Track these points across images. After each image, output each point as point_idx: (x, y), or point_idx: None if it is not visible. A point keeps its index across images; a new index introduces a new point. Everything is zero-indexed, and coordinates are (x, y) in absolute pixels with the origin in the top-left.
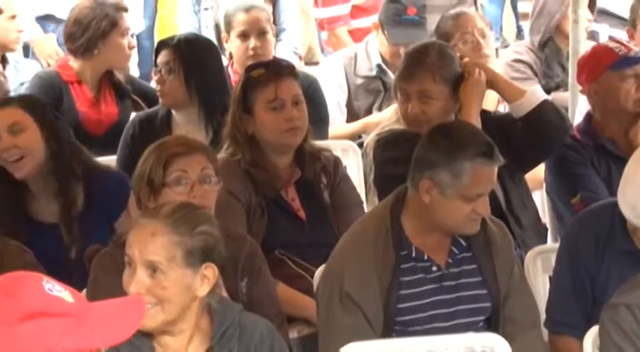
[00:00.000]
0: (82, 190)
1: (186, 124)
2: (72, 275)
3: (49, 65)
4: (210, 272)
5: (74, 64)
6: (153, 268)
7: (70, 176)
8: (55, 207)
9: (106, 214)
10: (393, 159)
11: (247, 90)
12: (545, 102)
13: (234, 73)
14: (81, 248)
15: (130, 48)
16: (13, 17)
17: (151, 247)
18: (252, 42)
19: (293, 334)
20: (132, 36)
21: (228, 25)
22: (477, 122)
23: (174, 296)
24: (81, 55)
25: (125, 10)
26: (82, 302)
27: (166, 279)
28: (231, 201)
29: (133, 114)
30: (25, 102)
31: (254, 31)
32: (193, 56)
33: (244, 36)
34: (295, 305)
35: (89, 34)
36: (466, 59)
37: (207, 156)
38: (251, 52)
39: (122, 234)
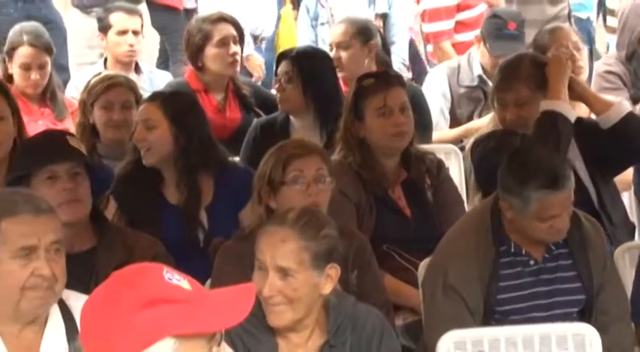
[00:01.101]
0: (213, 182)
1: (303, 129)
2: (197, 257)
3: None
4: (334, 271)
5: (199, 74)
6: (284, 272)
7: (197, 169)
8: (185, 194)
9: (233, 205)
10: (489, 149)
11: (359, 98)
12: (630, 114)
13: (344, 83)
14: (208, 234)
15: (231, 55)
16: (124, 33)
17: (281, 253)
18: (335, 52)
19: (399, 321)
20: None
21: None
22: (564, 98)
23: (303, 296)
24: (196, 68)
25: (224, 20)
26: (198, 289)
27: (296, 282)
28: (343, 200)
29: (254, 120)
30: (162, 101)
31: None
32: (310, 67)
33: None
34: (401, 295)
35: (190, 50)
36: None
37: (322, 158)
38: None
39: (244, 227)
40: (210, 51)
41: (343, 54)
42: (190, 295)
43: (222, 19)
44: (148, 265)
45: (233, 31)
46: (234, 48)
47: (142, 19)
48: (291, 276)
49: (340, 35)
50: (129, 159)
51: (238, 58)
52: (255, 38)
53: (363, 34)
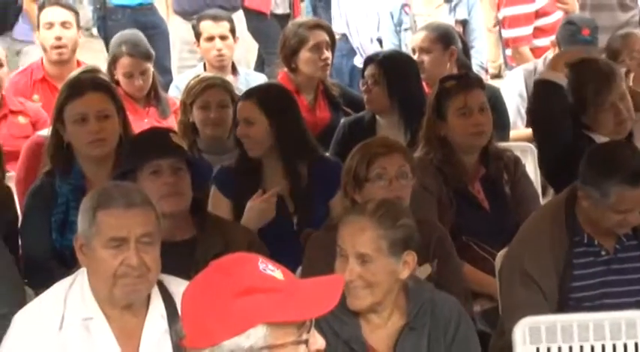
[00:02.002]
0: (307, 172)
1: (388, 127)
2: (290, 243)
3: None
4: (411, 258)
5: (292, 76)
6: (363, 259)
7: (295, 159)
8: (284, 182)
9: (324, 194)
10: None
11: (441, 98)
12: None
13: (427, 84)
14: (302, 219)
15: (323, 60)
16: (211, 39)
17: (360, 241)
18: (418, 56)
19: (477, 308)
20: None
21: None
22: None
23: (381, 281)
24: (289, 69)
25: (320, 26)
26: (290, 279)
27: (375, 267)
28: (425, 193)
29: (342, 119)
30: (258, 98)
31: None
32: (395, 70)
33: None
34: (479, 283)
35: (285, 52)
36: None
37: (404, 156)
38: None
39: (332, 218)
40: (304, 55)
41: (425, 58)
42: (283, 285)
43: (318, 25)
44: (245, 255)
45: (326, 38)
46: (327, 53)
47: (230, 25)
48: (369, 262)
49: (422, 41)
50: (235, 154)
51: (329, 62)
52: None
53: (444, 40)
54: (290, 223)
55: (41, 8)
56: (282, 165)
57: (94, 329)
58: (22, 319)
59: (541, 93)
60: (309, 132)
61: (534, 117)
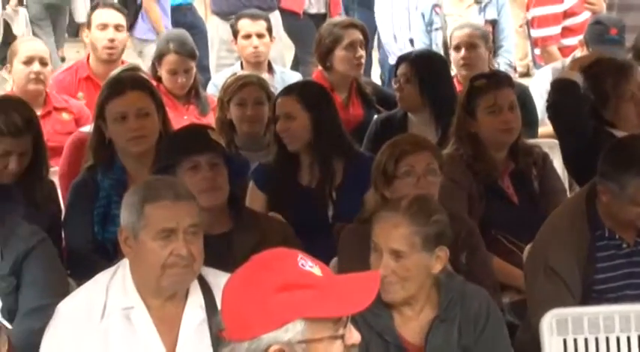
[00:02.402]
0: (343, 166)
1: (420, 124)
2: (324, 235)
3: None
4: (443, 253)
5: (326, 74)
6: (396, 254)
7: (331, 154)
8: (319, 177)
9: (359, 187)
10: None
11: (471, 96)
12: None
13: (458, 83)
14: (337, 212)
15: (357, 58)
16: (248, 36)
17: (394, 237)
18: (464, 52)
19: (505, 300)
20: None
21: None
22: None
23: (415, 276)
24: (324, 67)
25: (354, 25)
26: (328, 275)
27: (408, 263)
28: (455, 188)
29: (375, 116)
30: (299, 94)
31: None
32: (427, 69)
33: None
34: (507, 276)
35: (320, 51)
36: None
37: (432, 153)
38: (461, 62)
39: (364, 211)
40: (339, 53)
41: (472, 53)
42: (321, 281)
43: (353, 24)
44: (285, 251)
45: (360, 36)
46: (360, 51)
47: (267, 24)
48: (403, 258)
49: (469, 36)
50: (272, 150)
51: (363, 61)
52: None
53: (485, 37)
54: (325, 217)
55: (94, 8)
56: (319, 160)
57: (134, 319)
58: (65, 308)
59: (557, 90)
60: (343, 128)
61: (553, 113)
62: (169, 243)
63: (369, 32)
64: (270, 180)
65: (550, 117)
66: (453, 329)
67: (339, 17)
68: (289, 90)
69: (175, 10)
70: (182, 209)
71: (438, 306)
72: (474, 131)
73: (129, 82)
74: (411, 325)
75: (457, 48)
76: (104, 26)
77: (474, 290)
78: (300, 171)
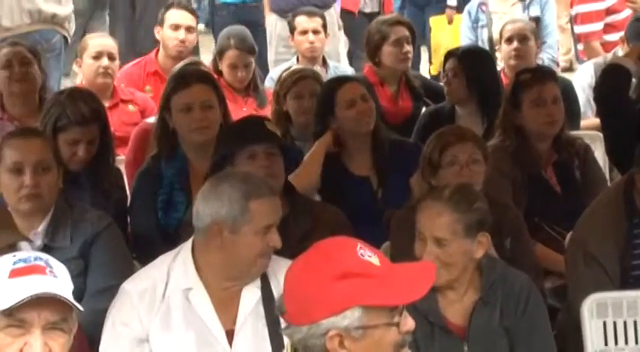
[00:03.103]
0: (389, 156)
1: (466, 116)
2: (376, 221)
3: None
4: (485, 239)
5: (376, 69)
6: (439, 242)
7: (381, 142)
8: (368, 163)
9: (405, 174)
10: None
11: (517, 90)
12: None
13: (505, 76)
14: (385, 198)
15: (404, 53)
16: (304, 32)
17: (437, 225)
18: (517, 44)
19: (548, 284)
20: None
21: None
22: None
23: (457, 261)
24: (373, 63)
25: (400, 23)
26: (386, 265)
27: (451, 249)
28: (500, 178)
29: (424, 109)
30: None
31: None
32: (473, 63)
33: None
34: (550, 262)
35: (369, 47)
36: None
37: (476, 144)
38: (513, 53)
39: (413, 198)
40: (387, 49)
41: (523, 46)
42: (379, 271)
43: (399, 22)
44: (345, 240)
45: (407, 33)
46: (407, 47)
47: (323, 20)
48: (446, 245)
49: (521, 29)
50: None
51: (409, 56)
52: None
53: (534, 33)
54: (374, 202)
55: (168, 8)
56: (370, 147)
57: (193, 299)
58: (129, 287)
59: (607, 73)
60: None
61: (599, 95)
62: (267, 235)
63: (417, 29)
64: (322, 170)
65: (596, 99)
66: (495, 311)
67: (388, 15)
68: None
69: (239, 7)
70: (278, 204)
71: (481, 289)
72: (519, 123)
73: (195, 75)
74: (455, 307)
75: (509, 40)
76: (176, 27)
77: (515, 274)
78: (349, 160)
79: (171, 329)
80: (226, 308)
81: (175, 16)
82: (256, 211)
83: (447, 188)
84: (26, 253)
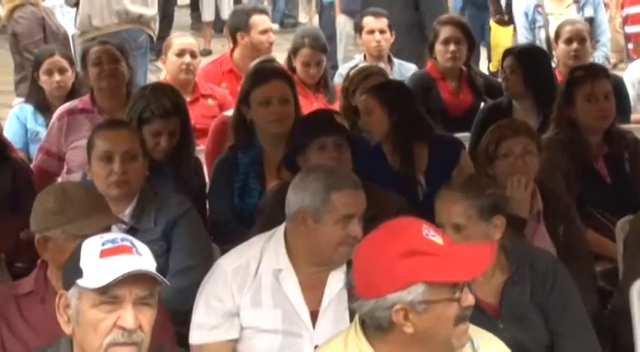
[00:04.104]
0: (427, 151)
1: (523, 111)
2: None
3: None
4: (500, 221)
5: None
6: (457, 227)
7: (411, 140)
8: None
9: (445, 168)
10: None
11: (570, 86)
12: None
13: (559, 74)
14: (428, 193)
15: (451, 52)
16: (372, 32)
17: (453, 212)
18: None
19: (598, 268)
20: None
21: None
22: None
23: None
24: (434, 59)
25: (449, 22)
26: (449, 244)
27: (468, 233)
28: (553, 168)
29: (483, 103)
30: (374, 91)
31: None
32: (530, 61)
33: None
34: (600, 247)
35: (428, 45)
36: None
37: (530, 137)
38: (572, 53)
39: None
40: (437, 47)
41: (582, 46)
42: (442, 249)
43: (449, 21)
44: (411, 221)
45: (456, 33)
46: (453, 46)
47: (389, 21)
48: (463, 230)
49: (580, 31)
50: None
51: (458, 55)
52: None
53: (590, 34)
54: (416, 198)
55: (251, 13)
56: (398, 148)
57: (282, 280)
58: (224, 263)
59: None
60: (424, 116)
61: None
62: (348, 225)
63: (476, 29)
64: (368, 165)
65: None
66: (525, 289)
67: (446, 15)
68: (368, 89)
69: (328, 7)
70: (360, 197)
71: (508, 269)
72: (573, 117)
73: (273, 71)
74: (485, 288)
75: (569, 41)
76: (264, 32)
77: (540, 254)
78: (390, 158)
79: (260, 306)
80: (312, 290)
81: (263, 19)
82: (337, 202)
83: (459, 178)
84: (113, 234)
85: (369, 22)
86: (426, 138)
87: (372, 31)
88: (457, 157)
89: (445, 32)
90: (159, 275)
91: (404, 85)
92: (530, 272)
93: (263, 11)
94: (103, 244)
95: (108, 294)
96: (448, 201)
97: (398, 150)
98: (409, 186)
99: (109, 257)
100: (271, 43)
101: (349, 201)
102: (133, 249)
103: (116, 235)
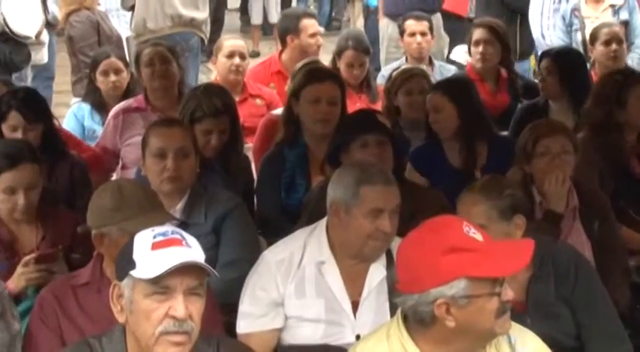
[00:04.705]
0: (486, 149)
1: (559, 111)
2: None
3: None
4: (520, 221)
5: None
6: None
7: (475, 137)
8: (464, 158)
9: (501, 168)
10: None
11: (624, 89)
12: None
13: (594, 74)
14: None
15: (481, 53)
16: (413, 34)
17: (474, 213)
18: (614, 45)
19: (632, 262)
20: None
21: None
22: None
23: None
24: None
25: (482, 25)
26: (489, 241)
27: (490, 233)
28: (588, 167)
29: (520, 104)
30: (444, 88)
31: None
32: (566, 63)
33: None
34: (634, 242)
35: (468, 47)
36: None
37: (566, 136)
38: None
39: None
40: (472, 49)
41: (620, 47)
42: (482, 246)
43: (482, 24)
44: (451, 218)
45: (487, 35)
46: (481, 48)
47: (430, 23)
48: (486, 230)
49: (618, 33)
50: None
51: (488, 56)
52: None
53: (625, 36)
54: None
55: (300, 18)
56: (465, 145)
57: (325, 271)
58: (268, 257)
59: None
60: (487, 115)
61: None
62: (377, 219)
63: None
64: (425, 162)
65: None
66: (550, 284)
67: (482, 18)
68: (437, 86)
69: (374, 11)
70: (391, 193)
71: (532, 266)
72: (622, 119)
73: (326, 72)
74: (511, 285)
75: (607, 42)
76: (313, 35)
77: (561, 249)
78: (450, 155)
79: (304, 296)
80: (354, 281)
81: (313, 26)
82: (366, 196)
83: (479, 180)
84: (164, 228)
85: (410, 24)
86: (487, 136)
87: (413, 34)
88: (512, 157)
89: (476, 34)
90: (208, 266)
91: (469, 82)
92: (553, 267)
93: (312, 15)
94: (154, 237)
95: (160, 285)
96: (469, 203)
97: (463, 147)
98: (466, 183)
99: (161, 249)
100: (319, 46)
101: (378, 196)
102: (183, 242)
103: (167, 228)
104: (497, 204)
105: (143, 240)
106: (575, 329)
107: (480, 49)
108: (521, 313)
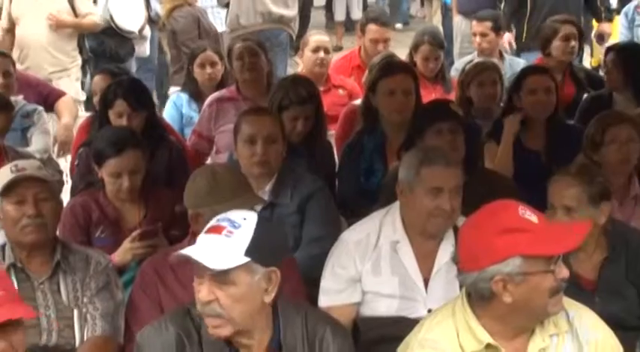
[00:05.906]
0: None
1: (623, 102)
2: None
3: None
4: (607, 207)
5: (546, 60)
6: (567, 209)
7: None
8: (541, 140)
9: (568, 151)
10: None
11: None
12: None
13: None
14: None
15: (571, 47)
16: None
17: (566, 195)
18: None
19: None
20: None
21: None
22: None
23: None
24: (544, 55)
25: (568, 21)
26: (543, 222)
27: (578, 216)
28: None
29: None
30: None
31: None
32: (630, 56)
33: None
34: None
35: (540, 41)
36: None
37: (633, 126)
38: None
39: None
40: (556, 43)
41: None
42: (537, 227)
43: (568, 21)
44: (508, 202)
45: (574, 31)
46: (573, 43)
47: (493, 24)
48: (573, 212)
49: None
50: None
51: (575, 50)
52: None
53: None
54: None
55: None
56: (546, 128)
57: (399, 250)
58: (346, 237)
59: None
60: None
61: None
62: (436, 198)
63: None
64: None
65: None
66: (621, 267)
67: (561, 15)
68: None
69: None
70: (450, 173)
71: (607, 249)
72: None
73: (400, 66)
74: (585, 265)
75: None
76: (377, 39)
77: (634, 233)
78: (525, 135)
79: (380, 273)
80: (425, 259)
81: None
82: (426, 175)
83: (573, 165)
84: (226, 214)
85: (473, 25)
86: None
87: (475, 34)
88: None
89: (565, 29)
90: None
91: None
92: (626, 250)
93: (379, 21)
94: (215, 220)
95: None
96: (563, 185)
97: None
98: (539, 163)
99: (204, 234)
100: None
101: (437, 175)
102: (225, 230)
103: (227, 216)
104: (589, 189)
105: (210, 223)
106: (639, 310)
107: (572, 43)
108: (591, 291)
